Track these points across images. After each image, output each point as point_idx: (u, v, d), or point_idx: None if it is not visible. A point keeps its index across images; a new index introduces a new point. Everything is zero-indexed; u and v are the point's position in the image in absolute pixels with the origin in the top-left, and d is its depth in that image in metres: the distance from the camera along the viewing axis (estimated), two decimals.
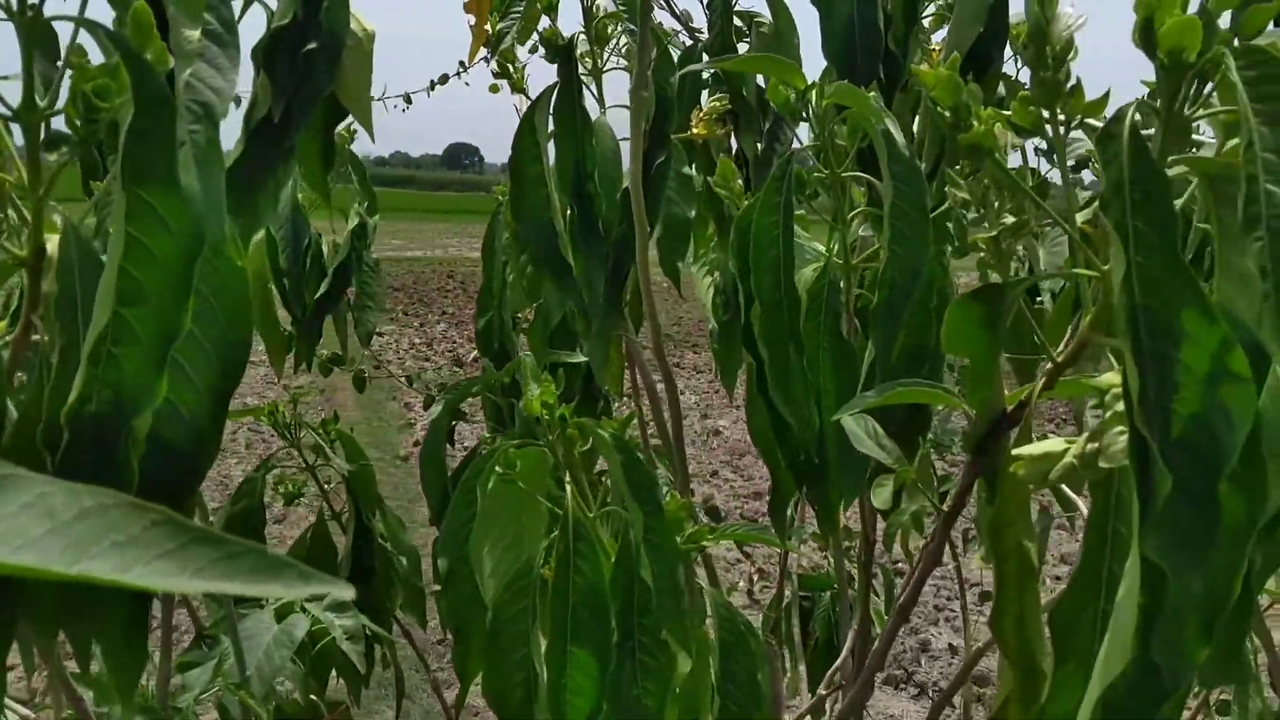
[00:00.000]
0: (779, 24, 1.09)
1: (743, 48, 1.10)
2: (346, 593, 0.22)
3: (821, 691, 0.97)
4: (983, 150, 0.46)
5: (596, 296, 0.93)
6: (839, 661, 1.01)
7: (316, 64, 0.72)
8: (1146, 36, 0.40)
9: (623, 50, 0.94)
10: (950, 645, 3.07)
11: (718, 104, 1.00)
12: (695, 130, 1.00)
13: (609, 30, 0.97)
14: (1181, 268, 0.40)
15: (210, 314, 0.52)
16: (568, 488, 0.70)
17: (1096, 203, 0.47)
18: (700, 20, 1.13)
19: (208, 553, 0.21)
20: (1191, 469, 0.40)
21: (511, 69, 1.00)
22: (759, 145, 1.08)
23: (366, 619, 1.00)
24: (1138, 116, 0.42)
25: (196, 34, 0.44)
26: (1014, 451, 0.45)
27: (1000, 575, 0.50)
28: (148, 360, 0.45)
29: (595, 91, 0.97)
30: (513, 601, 0.72)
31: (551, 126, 0.93)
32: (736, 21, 1.11)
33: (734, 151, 1.15)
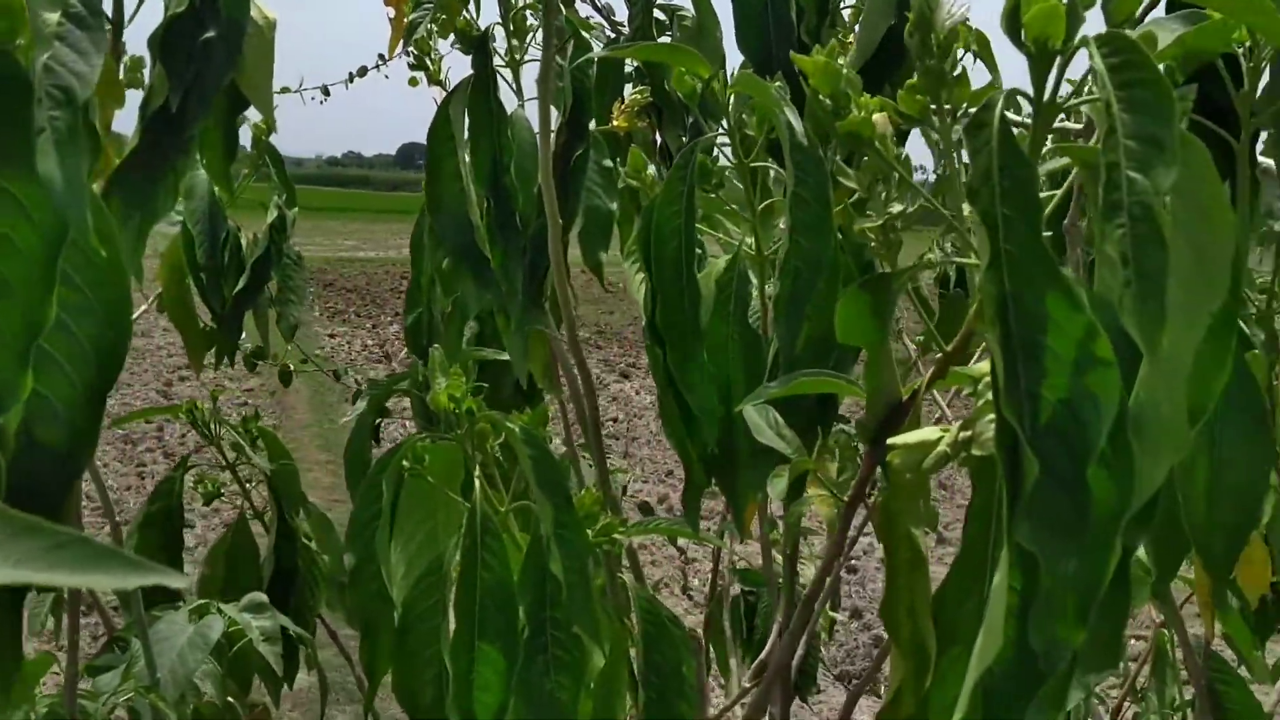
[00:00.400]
0: (701, 17, 1.09)
1: (665, 40, 1.10)
2: (178, 581, 0.21)
3: (745, 684, 0.97)
4: (861, 138, 0.46)
5: (515, 291, 0.92)
6: (763, 655, 1.02)
7: (215, 53, 0.71)
8: (1013, 24, 0.40)
9: (541, 42, 0.93)
10: None
11: (639, 96, 1.00)
12: (616, 123, 1.00)
13: (527, 22, 0.97)
14: (1046, 256, 0.40)
15: (87, 309, 0.51)
16: (476, 482, 0.69)
17: None
18: (623, 13, 1.13)
19: (33, 543, 0.21)
20: (1061, 454, 0.41)
21: (429, 61, 0.99)
22: (683, 138, 1.08)
23: (286, 619, 0.99)
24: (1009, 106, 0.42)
25: (55, 16, 0.42)
26: (889, 440, 0.45)
27: (892, 565, 0.50)
28: (11, 355, 0.44)
29: (513, 84, 0.96)
30: (423, 598, 0.72)
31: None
32: (659, 14, 1.11)
33: (660, 145, 1.14)
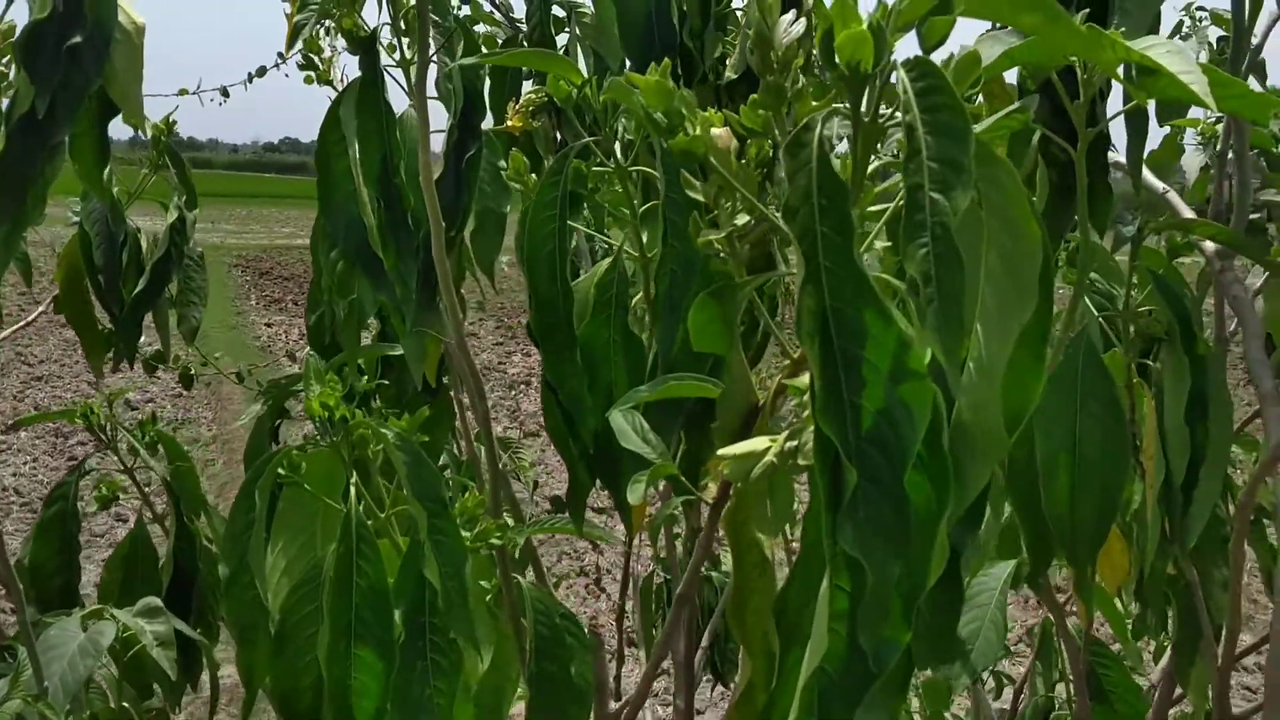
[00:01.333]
0: (601, 15, 1.09)
1: (565, 39, 1.10)
2: None
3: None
4: (694, 155, 0.47)
5: (409, 291, 0.92)
6: (658, 651, 1.03)
7: (82, 58, 0.70)
8: (826, 48, 0.41)
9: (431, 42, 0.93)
10: None
11: (534, 96, 1.00)
12: (511, 122, 1.00)
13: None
14: (862, 272, 0.41)
15: None
16: (351, 488, 0.69)
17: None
18: (522, 9, 1.13)
19: None
20: (880, 462, 0.42)
21: (318, 60, 0.98)
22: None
23: (182, 623, 0.98)
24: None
25: None
26: (719, 452, 0.47)
27: (739, 569, 0.52)
28: None
29: (405, 84, 0.95)
30: (301, 604, 0.72)
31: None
32: (558, 11, 1.11)
33: (561, 143, 1.15)
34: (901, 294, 0.43)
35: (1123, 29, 0.68)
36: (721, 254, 0.53)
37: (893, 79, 0.42)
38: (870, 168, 0.47)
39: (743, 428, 0.57)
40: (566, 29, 1.11)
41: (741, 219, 0.52)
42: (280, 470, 0.71)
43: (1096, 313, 0.78)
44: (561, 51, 1.10)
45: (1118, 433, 0.74)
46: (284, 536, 0.73)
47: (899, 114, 0.43)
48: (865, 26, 0.41)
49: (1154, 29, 0.68)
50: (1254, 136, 1.06)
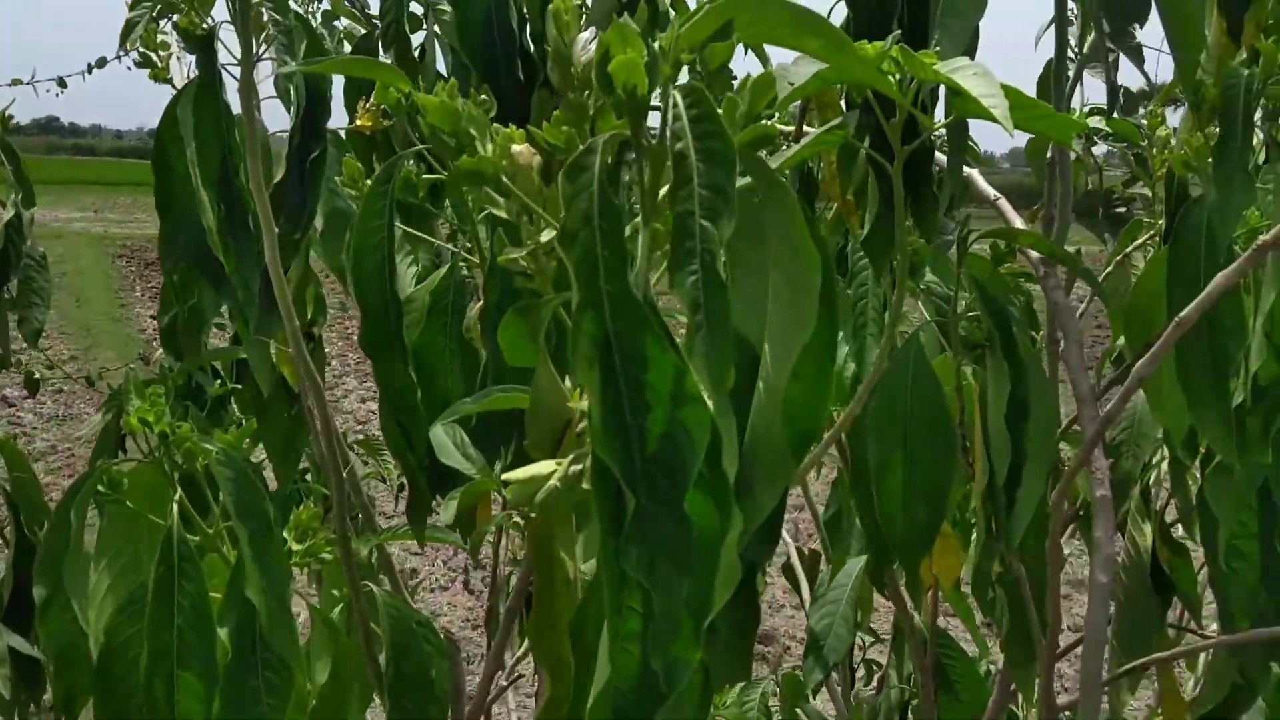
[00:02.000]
0: (456, 15, 1.07)
1: (419, 37, 1.08)
2: None
3: (502, 683, 0.98)
4: (485, 177, 0.46)
5: (252, 296, 0.90)
6: (520, 652, 1.03)
7: None
8: (602, 73, 0.41)
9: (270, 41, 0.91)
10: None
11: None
12: (360, 122, 0.98)
13: (264, 19, 0.94)
14: (638, 298, 0.41)
15: None
16: (174, 505, 0.68)
17: None
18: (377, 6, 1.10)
19: None
20: (665, 483, 0.42)
21: (157, 58, 0.95)
22: None
23: (21, 640, 0.94)
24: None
25: None
26: (504, 476, 0.46)
27: (542, 586, 0.52)
28: None
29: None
30: (125, 626, 0.70)
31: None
32: (415, 7, 1.09)
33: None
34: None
35: (939, 48, 0.70)
36: (529, 270, 0.53)
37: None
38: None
39: (555, 442, 0.57)
40: (424, 26, 1.09)
41: (546, 235, 0.52)
42: (100, 488, 0.69)
43: (930, 319, 0.80)
44: (417, 50, 1.08)
45: (946, 436, 0.76)
46: (107, 555, 0.70)
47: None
48: (641, 53, 0.41)
49: (972, 46, 0.70)
50: (1119, 127, 1.09)
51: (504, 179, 0.47)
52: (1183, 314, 0.58)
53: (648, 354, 0.42)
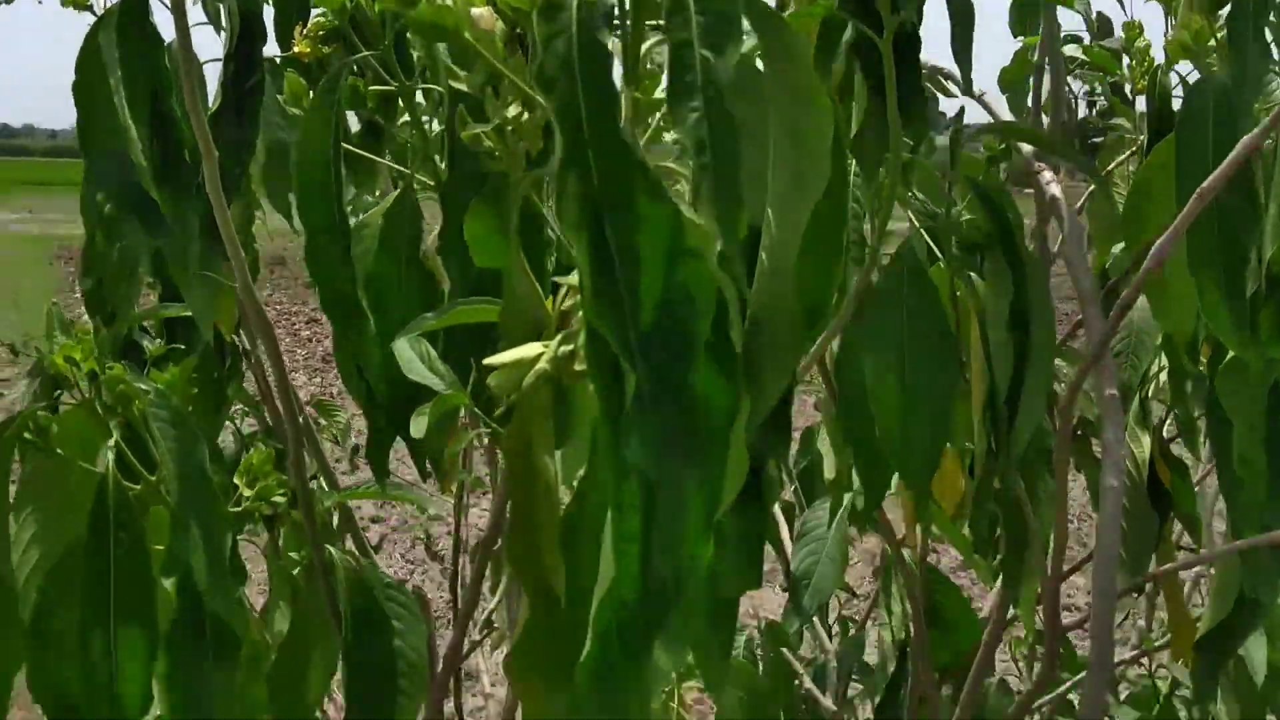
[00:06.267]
0: None
1: None
2: None
3: (475, 637, 0.93)
4: (445, 31, 0.41)
5: (190, 236, 0.83)
6: (492, 607, 0.98)
7: None
8: None
9: None
10: None
11: (323, 20, 0.92)
12: (298, 48, 0.91)
13: None
14: (628, 147, 0.36)
15: None
16: (109, 451, 0.61)
17: None
18: None
19: None
20: (665, 357, 0.37)
21: None
22: None
23: None
24: None
25: None
26: (485, 361, 0.41)
27: (520, 497, 0.46)
28: None
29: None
30: (58, 584, 0.63)
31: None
32: None
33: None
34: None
35: None
36: (495, 152, 0.47)
37: None
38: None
39: None
40: None
41: (514, 110, 0.46)
42: (25, 434, 0.62)
43: (919, 225, 0.75)
44: None
45: (945, 350, 0.71)
46: (34, 510, 0.64)
47: None
48: None
49: None
50: (1095, 56, 1.05)
51: (467, 34, 0.42)
52: (1204, 184, 0.54)
53: (641, 211, 0.37)
